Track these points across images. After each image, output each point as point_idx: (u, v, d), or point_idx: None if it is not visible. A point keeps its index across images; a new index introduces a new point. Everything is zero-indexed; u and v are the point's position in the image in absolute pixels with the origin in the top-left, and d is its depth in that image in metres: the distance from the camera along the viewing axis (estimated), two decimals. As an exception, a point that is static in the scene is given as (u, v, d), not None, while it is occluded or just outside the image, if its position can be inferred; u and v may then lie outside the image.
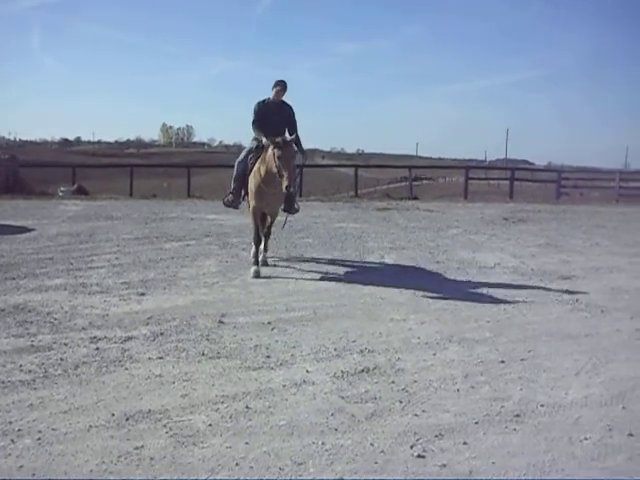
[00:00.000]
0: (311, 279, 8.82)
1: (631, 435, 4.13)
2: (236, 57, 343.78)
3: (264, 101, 9.43)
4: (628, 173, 35.55)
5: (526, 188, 34.16)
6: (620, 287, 8.66)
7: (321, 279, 8.84)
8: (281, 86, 9.39)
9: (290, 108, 9.53)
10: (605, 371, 5.34)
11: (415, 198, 25.34)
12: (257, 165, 9.02)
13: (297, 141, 9.09)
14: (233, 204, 9.87)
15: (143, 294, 7.61)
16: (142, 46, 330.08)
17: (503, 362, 5.50)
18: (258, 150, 9.15)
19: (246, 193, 9.56)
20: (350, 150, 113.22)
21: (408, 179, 30.39)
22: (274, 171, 8.47)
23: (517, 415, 4.41)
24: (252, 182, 9.12)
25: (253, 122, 9.33)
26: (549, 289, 8.30)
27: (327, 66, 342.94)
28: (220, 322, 6.51)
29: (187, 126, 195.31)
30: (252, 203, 9.30)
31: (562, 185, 29.13)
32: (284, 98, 9.54)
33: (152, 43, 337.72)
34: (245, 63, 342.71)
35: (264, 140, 8.82)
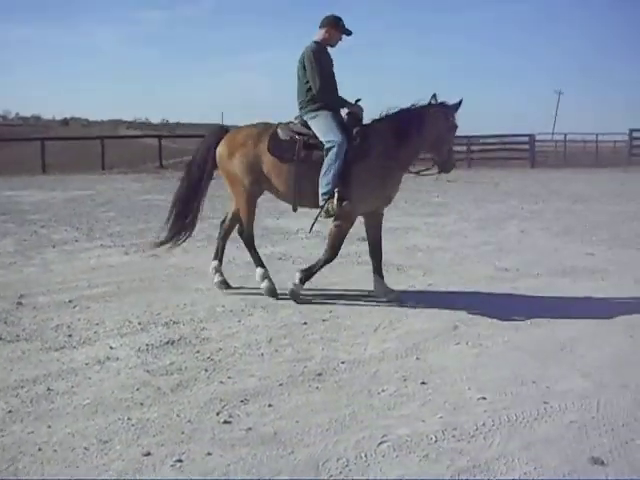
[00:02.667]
0: (114, 254, 8.60)
1: (424, 383, 4.40)
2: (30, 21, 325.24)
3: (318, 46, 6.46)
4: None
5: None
6: (415, 246, 9.15)
7: (125, 253, 8.65)
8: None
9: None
10: (401, 326, 5.63)
11: (220, 167, 25.26)
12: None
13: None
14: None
15: None
16: None
17: (306, 324, 5.66)
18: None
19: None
20: (155, 120, 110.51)
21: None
22: None
23: (319, 374, 4.56)
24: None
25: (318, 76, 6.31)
26: (350, 251, 8.58)
27: (133, 34, 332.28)
28: (19, 303, 6.23)
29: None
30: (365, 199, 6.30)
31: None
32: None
33: None
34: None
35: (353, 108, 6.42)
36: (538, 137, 33.62)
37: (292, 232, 10.21)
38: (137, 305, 6.22)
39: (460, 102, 6.39)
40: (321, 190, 6.11)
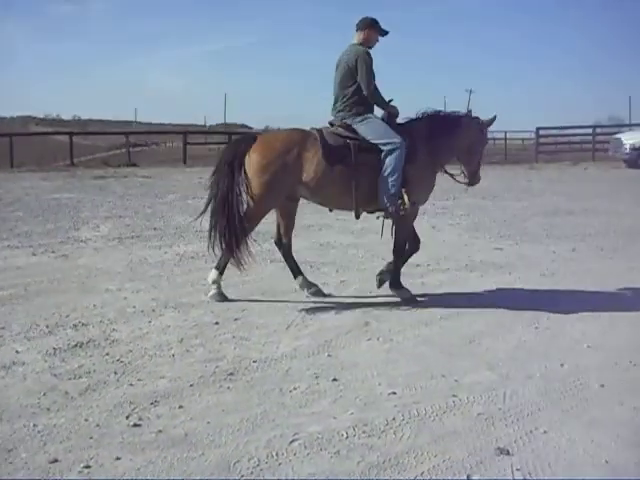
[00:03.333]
0: (22, 254, 8.35)
1: (335, 380, 4.43)
2: None
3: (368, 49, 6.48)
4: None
5: (244, 151, 34.80)
6: (328, 243, 9.21)
7: (33, 254, 8.41)
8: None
9: None
10: (313, 323, 5.66)
11: (133, 165, 24.94)
12: None
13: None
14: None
15: None
16: None
17: (217, 323, 5.63)
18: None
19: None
20: (66, 116, 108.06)
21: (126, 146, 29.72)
22: None
23: (231, 374, 4.54)
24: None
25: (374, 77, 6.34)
26: (263, 249, 8.58)
27: (43, 28, 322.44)
28: None
29: None
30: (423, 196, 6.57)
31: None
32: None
33: None
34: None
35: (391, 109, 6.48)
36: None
37: (205, 230, 10.07)
38: (45, 307, 6.05)
39: (494, 118, 6.67)
40: (388, 192, 6.09)
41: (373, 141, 6.13)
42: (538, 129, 30.33)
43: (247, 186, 6.11)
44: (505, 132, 37.43)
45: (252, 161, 6.08)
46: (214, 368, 4.63)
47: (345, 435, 3.65)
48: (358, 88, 6.23)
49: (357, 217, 6.40)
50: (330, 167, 6.05)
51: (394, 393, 4.21)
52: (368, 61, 6.21)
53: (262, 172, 6.06)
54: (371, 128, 6.20)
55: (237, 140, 6.49)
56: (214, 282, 6.37)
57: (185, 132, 30.24)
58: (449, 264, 7.90)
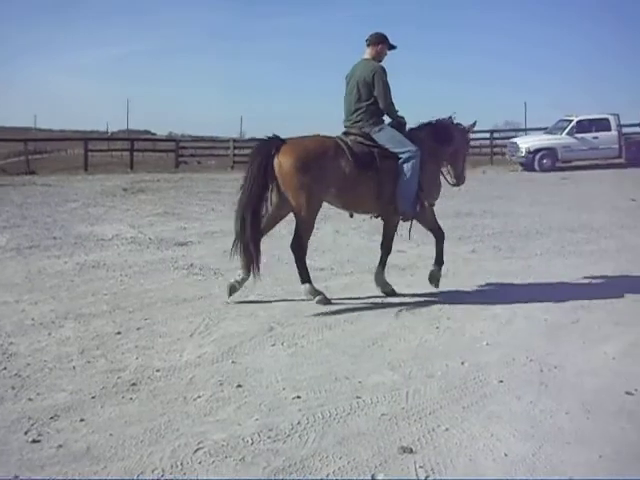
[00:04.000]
0: None
1: (240, 386, 4.41)
2: None
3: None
4: (243, 141, 37.42)
5: (148, 158, 34.18)
6: (229, 248, 9.12)
7: None
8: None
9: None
10: (217, 330, 5.62)
11: (33, 173, 24.27)
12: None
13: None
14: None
15: None
16: None
17: (120, 333, 5.52)
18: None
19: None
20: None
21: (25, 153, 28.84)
22: None
23: (134, 384, 4.46)
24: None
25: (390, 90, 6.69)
26: (166, 256, 8.48)
27: None
28: None
29: None
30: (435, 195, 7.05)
31: (180, 154, 29.87)
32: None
33: None
34: None
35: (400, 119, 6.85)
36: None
37: (107, 239, 9.92)
38: (-64, 322, 5.80)
39: (474, 123, 7.40)
40: (406, 196, 6.52)
41: (392, 149, 6.50)
42: (492, 131, 31.09)
43: (281, 191, 6.26)
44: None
45: (285, 164, 6.15)
46: (116, 379, 4.55)
47: (250, 441, 3.64)
48: (375, 101, 6.58)
49: (378, 216, 6.95)
50: (358, 172, 6.32)
51: (299, 397, 4.22)
52: (384, 77, 6.58)
53: (295, 174, 6.15)
54: (389, 137, 6.58)
55: (263, 144, 6.44)
56: (312, 292, 6.37)
57: (86, 139, 29.60)
58: (352, 267, 7.99)
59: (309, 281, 6.40)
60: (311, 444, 3.62)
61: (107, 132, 66.82)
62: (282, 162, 6.16)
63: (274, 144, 6.29)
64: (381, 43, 6.74)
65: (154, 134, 66.03)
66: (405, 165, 6.47)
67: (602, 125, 25.57)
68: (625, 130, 27.01)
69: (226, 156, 29.60)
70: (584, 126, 25.45)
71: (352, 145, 6.42)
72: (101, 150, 33.28)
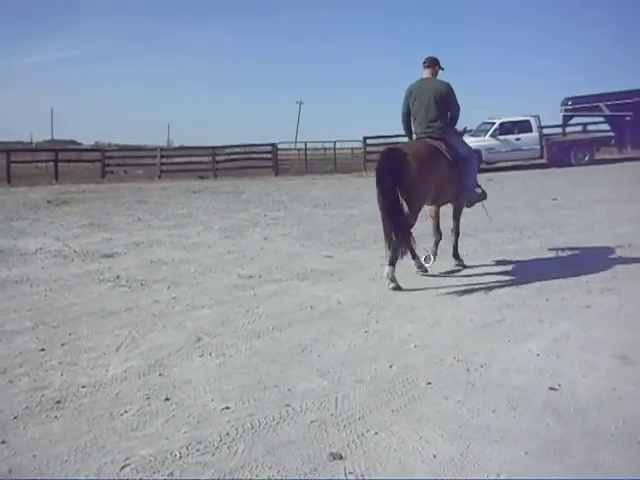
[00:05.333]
0: None
1: (167, 399, 4.35)
2: None
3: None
4: (170, 150, 37.11)
5: (74, 169, 33.53)
6: (159, 259, 9.04)
7: None
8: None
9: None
10: (144, 342, 5.53)
11: (-50, 187, 23.54)
12: None
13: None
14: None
15: None
16: None
17: (43, 350, 5.38)
18: None
19: None
20: None
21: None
22: None
23: (58, 402, 4.35)
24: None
25: None
26: (91, 269, 8.32)
27: None
28: None
29: None
30: None
31: (107, 164, 29.46)
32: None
33: None
34: None
35: None
36: (281, 146, 34.75)
37: (30, 252, 9.68)
38: None
39: (465, 129, 9.21)
40: (471, 187, 8.05)
41: (461, 150, 7.92)
42: (365, 138, 31.28)
43: (410, 189, 7.13)
44: (334, 142, 38.28)
45: (413, 166, 7.12)
46: (40, 397, 4.43)
47: (178, 455, 3.59)
48: (447, 112, 7.90)
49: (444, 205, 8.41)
50: (450, 169, 7.65)
51: (227, 408, 4.18)
52: (454, 93, 7.90)
53: (417, 175, 7.13)
54: (459, 141, 8.18)
55: (391, 153, 7.38)
56: (391, 277, 7.08)
57: (9, 150, 28.88)
58: (281, 274, 7.97)
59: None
60: (240, 455, 3.59)
61: (31, 143, 65.34)
62: (410, 164, 7.11)
63: (398, 151, 7.35)
64: (437, 65, 8.06)
65: (80, 144, 64.89)
66: (470, 162, 7.98)
67: (524, 127, 26.30)
68: (546, 131, 27.80)
69: (153, 165, 29.29)
70: (506, 128, 26.13)
71: (445, 148, 7.65)
72: (25, 161, 32.42)
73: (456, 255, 8.31)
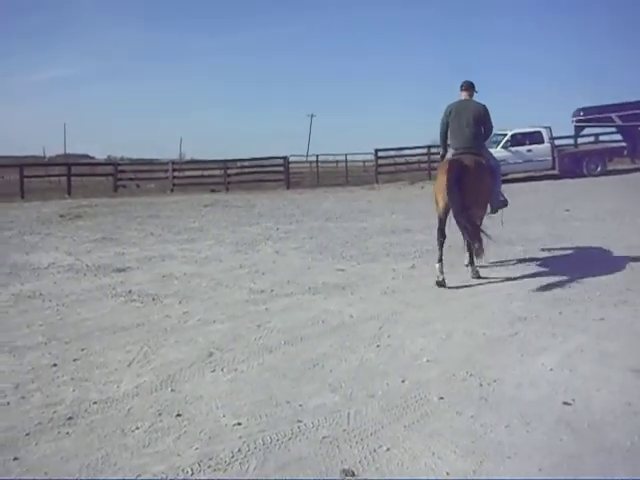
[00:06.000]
0: None
1: (179, 415, 4.35)
2: None
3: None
4: (182, 163, 37.19)
5: (87, 183, 33.66)
6: (171, 274, 9.04)
7: None
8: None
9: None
10: (156, 358, 5.53)
11: (-36, 202, 23.65)
12: None
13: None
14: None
15: None
16: None
17: (55, 365, 5.39)
18: None
19: None
20: None
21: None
22: None
23: (70, 418, 4.36)
24: None
25: None
26: (103, 283, 8.34)
27: None
28: None
29: None
30: None
31: (119, 178, 29.57)
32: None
33: None
34: None
35: None
36: (292, 159, 34.79)
37: (43, 267, 9.71)
38: None
39: None
40: (497, 193, 8.91)
41: (493, 163, 8.84)
42: (377, 150, 31.25)
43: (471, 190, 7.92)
44: (346, 155, 38.32)
45: (471, 174, 8.02)
46: (52, 413, 4.43)
47: (190, 472, 3.59)
48: (482, 130, 8.74)
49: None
50: (490, 178, 8.54)
51: (239, 424, 4.17)
52: (489, 114, 8.75)
53: (476, 180, 8.06)
54: (491, 155, 9.16)
55: (455, 163, 8.16)
56: (441, 270, 7.89)
57: (22, 165, 29.00)
58: (293, 288, 7.96)
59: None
60: (252, 471, 3.58)
61: (44, 157, 65.67)
62: (468, 172, 7.98)
63: (459, 162, 8.13)
64: (473, 88, 8.89)
65: (92, 157, 65.11)
66: (498, 172, 9.00)
67: (535, 138, 26.14)
68: (557, 142, 27.70)
69: (165, 179, 29.36)
70: (518, 139, 25.97)
71: (485, 160, 8.56)
72: (38, 176, 32.51)
73: (472, 262, 8.58)
